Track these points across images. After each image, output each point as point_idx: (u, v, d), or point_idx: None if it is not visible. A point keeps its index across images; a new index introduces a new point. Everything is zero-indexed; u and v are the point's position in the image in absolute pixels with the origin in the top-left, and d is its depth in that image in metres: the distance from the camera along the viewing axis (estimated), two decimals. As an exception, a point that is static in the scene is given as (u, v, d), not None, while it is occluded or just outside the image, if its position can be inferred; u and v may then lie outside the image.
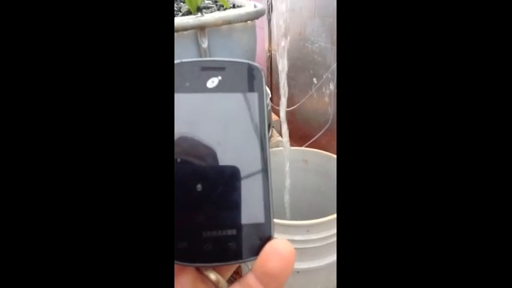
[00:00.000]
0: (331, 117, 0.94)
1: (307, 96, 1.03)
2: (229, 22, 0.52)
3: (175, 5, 0.62)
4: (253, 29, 0.60)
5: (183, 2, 0.63)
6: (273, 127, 0.76)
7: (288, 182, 0.67)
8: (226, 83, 0.17)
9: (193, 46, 0.54)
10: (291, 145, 0.72)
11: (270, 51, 1.23)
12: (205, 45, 0.53)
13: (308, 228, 0.51)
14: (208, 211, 0.16)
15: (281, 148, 0.75)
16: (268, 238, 0.16)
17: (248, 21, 0.56)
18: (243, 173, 0.16)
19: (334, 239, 0.53)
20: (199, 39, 0.53)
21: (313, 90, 1.01)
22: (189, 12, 0.58)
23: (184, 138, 0.16)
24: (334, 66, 0.89)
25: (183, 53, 0.54)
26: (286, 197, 0.68)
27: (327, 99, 0.96)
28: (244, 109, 0.17)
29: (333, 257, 0.55)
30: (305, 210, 0.70)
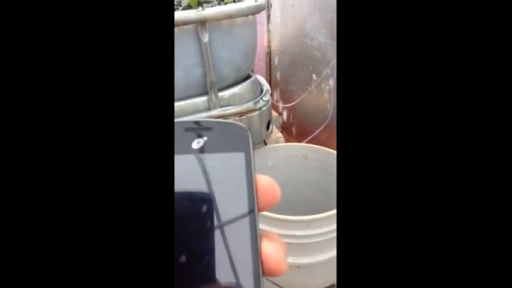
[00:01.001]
0: (330, 113, 0.94)
1: (306, 92, 1.03)
2: (230, 16, 0.52)
3: (175, -1, 0.62)
4: (253, 24, 0.60)
5: (183, -4, 0.62)
6: (272, 123, 0.76)
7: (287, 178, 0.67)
8: (212, 143, 0.16)
9: (194, 41, 0.54)
10: (290, 141, 0.72)
11: (269, 46, 1.23)
12: (206, 39, 0.53)
13: (308, 224, 0.51)
14: (194, 284, 0.14)
15: (280, 144, 0.75)
16: None
17: (249, 16, 0.55)
18: (231, 239, 0.15)
19: (334, 234, 0.53)
20: (200, 33, 0.53)
21: (312, 86, 1.00)
22: (189, 7, 0.58)
23: None
24: (333, 62, 0.88)
25: (184, 48, 0.54)
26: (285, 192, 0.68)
27: (326, 95, 0.96)
28: (231, 170, 0.16)
29: (333, 252, 0.55)
30: (305, 206, 0.70)
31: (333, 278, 0.59)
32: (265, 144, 0.74)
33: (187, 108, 0.59)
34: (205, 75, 0.57)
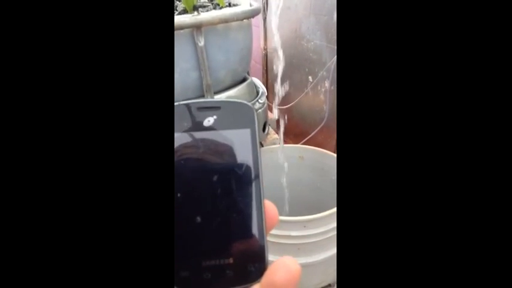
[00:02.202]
0: (326, 114, 0.94)
1: (302, 94, 1.03)
2: (225, 21, 0.53)
3: (171, 3, 0.63)
4: (249, 28, 0.61)
5: (179, 1, 0.63)
6: (269, 125, 0.77)
7: (284, 179, 0.67)
8: (222, 121, 0.18)
9: (190, 45, 0.54)
10: (287, 142, 0.72)
11: (265, 49, 1.24)
12: (201, 44, 0.54)
13: (305, 224, 0.52)
14: (207, 241, 0.17)
15: (277, 145, 0.75)
16: (264, 263, 0.17)
17: (244, 20, 0.56)
18: (238, 204, 0.17)
19: (331, 234, 0.54)
20: (195, 38, 0.53)
21: (308, 88, 1.01)
22: (185, 11, 0.58)
23: (183, 174, 0.17)
24: (329, 64, 0.89)
25: (180, 52, 0.54)
26: (286, 194, 0.68)
27: (322, 97, 0.97)
28: (238, 144, 0.18)
29: (329, 252, 0.55)
30: (301, 206, 0.71)
31: (329, 278, 0.60)
32: (262, 145, 0.75)
33: (184, 111, 0.60)
34: (201, 78, 0.58)
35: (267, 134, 0.74)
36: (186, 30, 0.52)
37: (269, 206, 0.18)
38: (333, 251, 0.56)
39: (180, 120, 0.18)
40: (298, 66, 1.05)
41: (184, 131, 0.17)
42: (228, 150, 0.18)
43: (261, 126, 0.68)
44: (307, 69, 1.02)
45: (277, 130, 0.79)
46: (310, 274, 0.57)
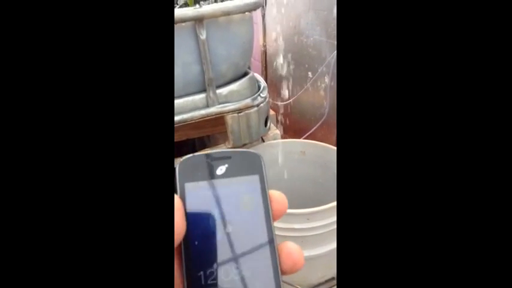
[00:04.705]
0: (326, 110, 0.94)
1: (302, 90, 1.03)
2: (228, 13, 0.53)
3: (172, -3, 0.62)
4: (250, 21, 0.60)
5: (180, -5, 0.63)
6: (270, 121, 0.77)
7: (286, 173, 0.67)
8: (233, 169, 0.19)
9: (192, 38, 0.54)
10: (287, 138, 0.72)
11: (264, 45, 1.24)
12: (203, 36, 0.54)
13: (308, 217, 0.52)
14: None
15: (278, 140, 0.75)
16: None
17: (246, 13, 0.56)
18: (253, 248, 0.18)
19: (334, 226, 0.54)
20: (197, 30, 0.53)
21: (308, 84, 1.01)
22: (186, 5, 0.58)
23: (199, 222, 0.18)
24: (329, 59, 0.89)
25: (182, 45, 0.54)
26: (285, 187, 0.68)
27: (322, 92, 0.97)
28: (248, 189, 0.19)
29: (333, 245, 0.56)
30: (303, 201, 0.71)
31: (333, 271, 0.60)
32: (263, 141, 0.75)
33: (185, 105, 0.59)
34: (203, 72, 0.57)
35: (268, 129, 0.74)
36: (188, 23, 0.52)
37: (277, 196, 0.19)
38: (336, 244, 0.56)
39: (196, 170, 0.19)
40: (298, 62, 1.05)
41: (199, 180, 0.19)
42: (240, 195, 0.19)
43: (263, 121, 0.68)
44: (306, 65, 1.02)
45: (277, 125, 0.79)
46: (314, 267, 0.57)
